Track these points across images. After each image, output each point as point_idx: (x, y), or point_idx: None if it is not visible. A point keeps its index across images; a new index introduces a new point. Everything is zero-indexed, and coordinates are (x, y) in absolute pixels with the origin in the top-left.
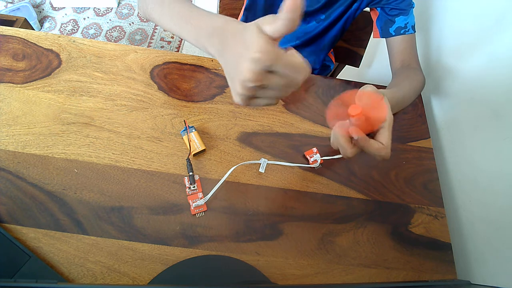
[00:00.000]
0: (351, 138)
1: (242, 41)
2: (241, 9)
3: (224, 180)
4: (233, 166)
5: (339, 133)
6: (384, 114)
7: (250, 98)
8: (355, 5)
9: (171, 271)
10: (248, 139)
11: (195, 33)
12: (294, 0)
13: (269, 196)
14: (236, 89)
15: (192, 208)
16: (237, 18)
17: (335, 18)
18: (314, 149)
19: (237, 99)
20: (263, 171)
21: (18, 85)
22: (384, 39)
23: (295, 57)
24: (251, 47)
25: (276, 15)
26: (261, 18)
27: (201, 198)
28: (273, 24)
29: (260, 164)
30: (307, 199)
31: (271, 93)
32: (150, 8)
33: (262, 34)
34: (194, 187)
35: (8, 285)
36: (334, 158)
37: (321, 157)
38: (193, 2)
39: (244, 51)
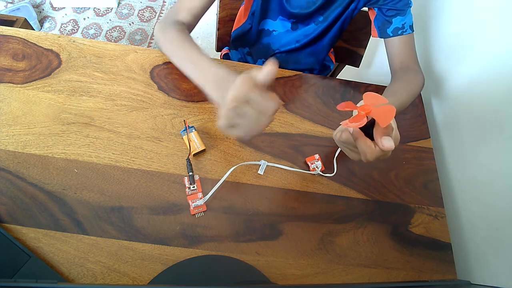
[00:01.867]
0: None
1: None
2: (239, 9)
3: (224, 180)
4: (233, 166)
5: (356, 134)
6: (388, 122)
7: (231, 125)
8: (352, 6)
9: (171, 271)
10: (248, 139)
11: (203, 77)
12: (271, 68)
13: (269, 196)
14: (222, 113)
15: (192, 208)
16: (235, 18)
17: (333, 19)
18: (316, 156)
19: (220, 122)
20: (262, 173)
21: (18, 85)
22: (383, 39)
23: (268, 93)
24: (237, 81)
25: (260, 70)
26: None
27: (200, 198)
28: (258, 74)
29: (260, 165)
30: (307, 199)
31: (247, 123)
32: (170, 52)
33: (246, 75)
34: (194, 187)
35: (8, 285)
36: (332, 176)
37: (322, 162)
38: None
39: (232, 85)
